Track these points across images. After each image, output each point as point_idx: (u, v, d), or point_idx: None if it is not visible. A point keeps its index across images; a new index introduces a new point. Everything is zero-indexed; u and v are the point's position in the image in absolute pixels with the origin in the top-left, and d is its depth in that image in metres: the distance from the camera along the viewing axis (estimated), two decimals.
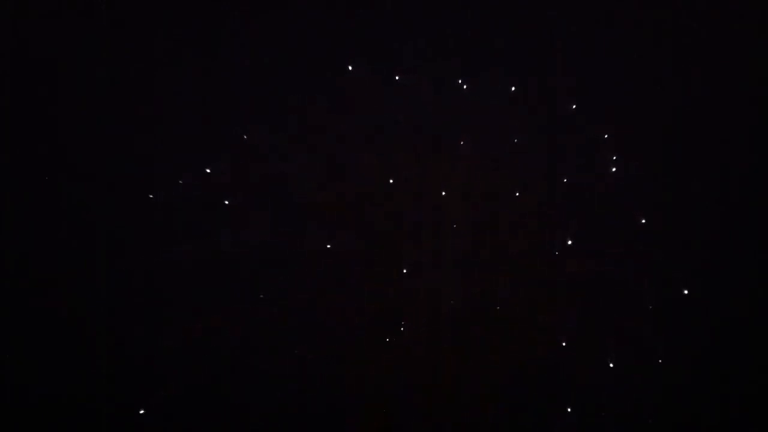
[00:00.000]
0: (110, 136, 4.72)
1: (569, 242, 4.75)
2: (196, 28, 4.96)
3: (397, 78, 5.02)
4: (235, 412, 4.37)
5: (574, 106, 4.97)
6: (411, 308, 4.69)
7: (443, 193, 4.87)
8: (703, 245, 4.62)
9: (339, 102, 4.95)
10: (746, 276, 4.53)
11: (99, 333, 4.41)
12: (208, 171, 4.78)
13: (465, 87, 5.03)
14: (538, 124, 4.96)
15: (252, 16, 4.99)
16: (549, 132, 4.95)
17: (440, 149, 4.95)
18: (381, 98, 4.99)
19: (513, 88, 5.00)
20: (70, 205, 4.61)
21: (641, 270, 4.67)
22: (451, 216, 4.83)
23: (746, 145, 4.74)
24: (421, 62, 5.01)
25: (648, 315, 4.58)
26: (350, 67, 5.00)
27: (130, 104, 4.79)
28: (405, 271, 4.74)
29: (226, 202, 4.78)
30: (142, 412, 4.28)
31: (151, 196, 4.69)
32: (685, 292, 4.54)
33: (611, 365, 4.48)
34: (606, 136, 4.90)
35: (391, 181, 4.88)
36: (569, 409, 4.40)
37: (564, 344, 4.56)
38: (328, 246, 4.73)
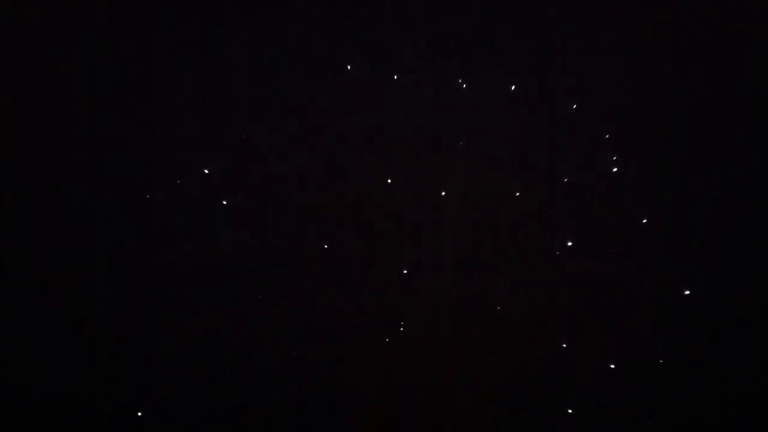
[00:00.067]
0: (110, 136, 4.72)
1: (569, 242, 4.75)
2: (196, 28, 4.96)
3: (396, 78, 5.02)
4: (235, 412, 4.37)
5: (574, 106, 4.97)
6: (411, 308, 4.68)
7: (443, 193, 4.87)
8: (703, 245, 4.61)
9: (339, 102, 4.95)
10: (746, 276, 4.52)
11: (99, 333, 4.41)
12: (206, 171, 4.78)
13: (465, 87, 5.03)
14: (538, 124, 4.96)
15: (252, 16, 5.00)
16: (549, 132, 4.95)
17: (440, 149, 4.95)
18: (381, 98, 4.99)
19: (513, 88, 5.00)
20: (70, 205, 4.61)
21: (641, 270, 4.67)
22: (451, 216, 4.83)
23: (746, 145, 4.74)
24: (421, 62, 5.01)
25: (648, 315, 4.58)
26: (350, 67, 5.00)
27: (130, 104, 4.79)
28: (405, 271, 4.74)
29: (225, 203, 4.78)
30: (140, 414, 4.28)
31: (148, 196, 4.68)
32: (686, 292, 4.55)
33: (611, 365, 4.48)
34: (606, 136, 4.90)
35: (390, 181, 4.88)
36: (569, 410, 4.40)
37: (564, 344, 4.56)
38: (328, 246, 4.73)
